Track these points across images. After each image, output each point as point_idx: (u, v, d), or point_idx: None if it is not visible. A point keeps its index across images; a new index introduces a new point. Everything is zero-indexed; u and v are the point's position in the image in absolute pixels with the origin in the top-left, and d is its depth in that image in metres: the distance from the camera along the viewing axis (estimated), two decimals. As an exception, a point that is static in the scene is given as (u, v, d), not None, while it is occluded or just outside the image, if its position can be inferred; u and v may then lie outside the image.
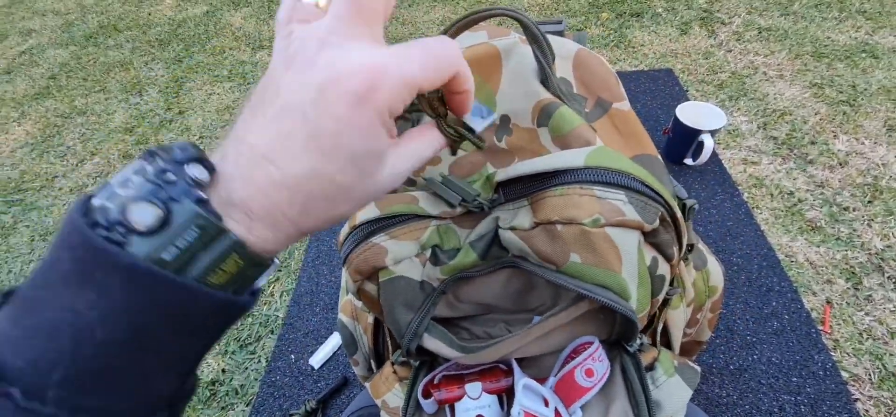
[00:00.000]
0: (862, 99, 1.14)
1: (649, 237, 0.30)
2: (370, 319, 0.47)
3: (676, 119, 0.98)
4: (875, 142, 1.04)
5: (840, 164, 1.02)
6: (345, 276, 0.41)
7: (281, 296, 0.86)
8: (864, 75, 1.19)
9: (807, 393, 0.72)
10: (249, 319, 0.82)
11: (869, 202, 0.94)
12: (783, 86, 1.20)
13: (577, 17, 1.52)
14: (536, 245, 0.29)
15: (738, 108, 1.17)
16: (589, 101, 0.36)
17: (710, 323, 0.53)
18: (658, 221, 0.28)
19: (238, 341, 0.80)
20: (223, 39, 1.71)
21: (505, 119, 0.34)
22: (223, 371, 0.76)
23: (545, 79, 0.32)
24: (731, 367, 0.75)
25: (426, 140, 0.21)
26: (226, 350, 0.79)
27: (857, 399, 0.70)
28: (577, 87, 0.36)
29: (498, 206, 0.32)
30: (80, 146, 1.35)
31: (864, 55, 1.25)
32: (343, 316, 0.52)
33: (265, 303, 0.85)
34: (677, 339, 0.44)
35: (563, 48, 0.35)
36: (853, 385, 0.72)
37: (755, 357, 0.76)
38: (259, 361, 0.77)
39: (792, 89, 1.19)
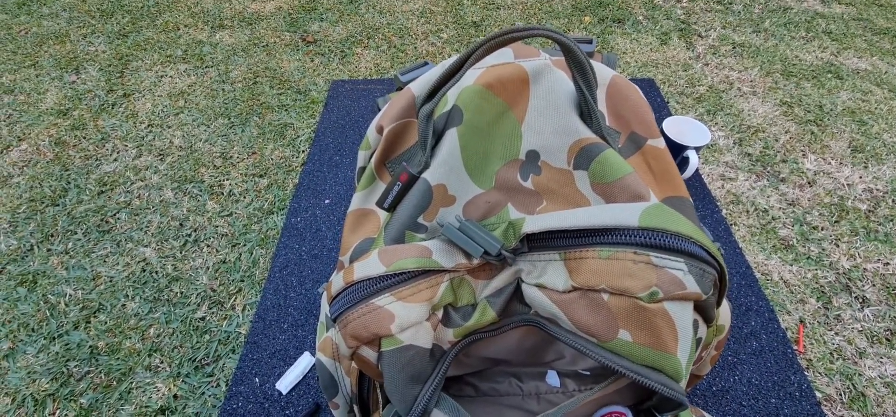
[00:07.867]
0: (828, 119, 1.18)
1: (697, 303, 0.26)
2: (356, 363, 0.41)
3: (663, 133, 0.97)
4: (841, 163, 1.09)
5: (809, 183, 1.05)
6: (325, 309, 0.35)
7: (243, 311, 0.78)
8: (829, 95, 1.24)
9: (784, 415, 0.73)
10: (206, 336, 0.74)
11: (836, 221, 0.98)
12: (756, 103, 1.23)
13: (560, 19, 1.49)
14: (574, 314, 0.24)
15: (715, 123, 1.18)
16: (622, 136, 0.31)
17: (712, 359, 0.51)
18: (712, 289, 0.25)
19: (193, 362, 0.71)
20: (177, 14, 1.55)
21: (532, 155, 0.29)
22: (175, 396, 0.68)
23: (588, 114, 0.27)
24: (714, 388, 0.75)
25: None
26: (178, 373, 0.70)
27: (830, 421, 0.72)
28: (609, 119, 0.31)
29: (521, 255, 0.28)
30: (6, 130, 1.18)
31: (829, 75, 1.30)
32: (322, 356, 0.46)
33: (225, 318, 0.77)
34: (684, 380, 0.42)
35: (597, 73, 0.31)
36: (826, 406, 0.74)
37: (736, 377, 0.76)
38: (217, 385, 0.69)
39: (764, 106, 1.22)
